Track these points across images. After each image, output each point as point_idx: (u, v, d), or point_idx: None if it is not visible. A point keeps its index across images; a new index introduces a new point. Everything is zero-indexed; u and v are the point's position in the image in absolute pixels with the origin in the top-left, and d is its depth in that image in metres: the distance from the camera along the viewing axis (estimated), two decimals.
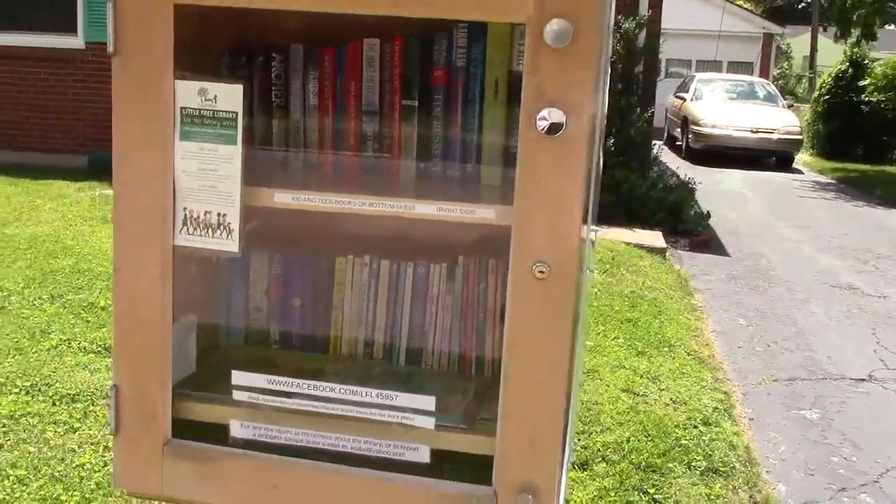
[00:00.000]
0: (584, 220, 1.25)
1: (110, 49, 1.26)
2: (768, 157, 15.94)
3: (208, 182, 1.30)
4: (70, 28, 10.13)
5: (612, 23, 1.42)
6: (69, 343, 4.22)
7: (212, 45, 1.44)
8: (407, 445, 1.32)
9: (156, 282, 1.32)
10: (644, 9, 8.93)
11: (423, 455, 1.32)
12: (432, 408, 1.31)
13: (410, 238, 1.52)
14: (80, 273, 5.31)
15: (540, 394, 1.26)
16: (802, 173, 15.45)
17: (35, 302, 4.77)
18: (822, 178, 14.91)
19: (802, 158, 17.21)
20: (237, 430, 1.37)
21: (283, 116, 1.50)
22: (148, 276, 1.32)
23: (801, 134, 16.01)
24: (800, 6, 45.78)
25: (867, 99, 17.43)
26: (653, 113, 8.95)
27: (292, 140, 1.51)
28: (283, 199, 1.33)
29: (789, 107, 18.13)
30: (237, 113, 1.28)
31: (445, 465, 1.33)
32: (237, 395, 1.36)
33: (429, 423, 1.32)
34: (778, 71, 32.36)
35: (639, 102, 8.56)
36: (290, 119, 1.51)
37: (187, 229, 1.32)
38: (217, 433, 1.39)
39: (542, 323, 1.23)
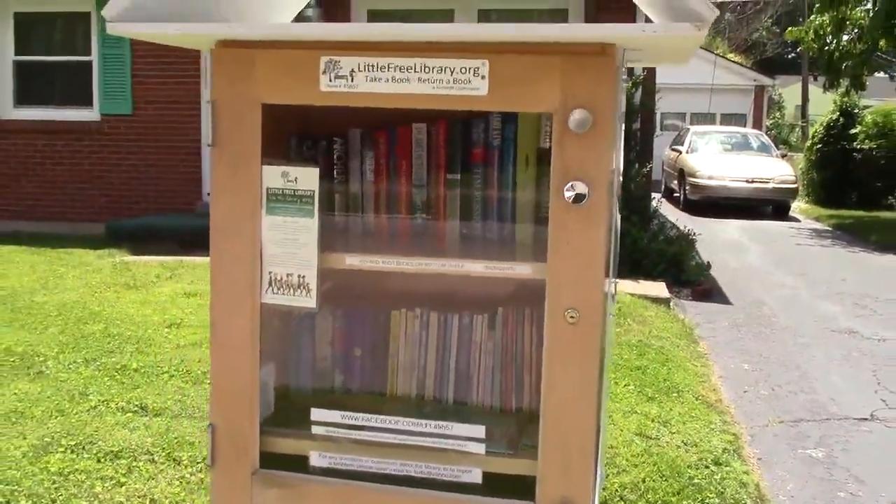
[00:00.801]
0: (607, 273, 1.50)
1: (209, 142, 1.52)
2: (765, 206, 16.26)
3: (290, 249, 1.55)
4: (86, 102, 10.51)
5: (623, 109, 1.68)
6: (107, 403, 4.43)
7: (283, 131, 1.70)
8: (462, 469, 1.55)
9: (246, 335, 1.56)
10: (639, 68, 9.29)
11: (475, 476, 1.55)
12: (482, 435, 1.55)
13: (455, 293, 1.77)
14: (111, 337, 5.54)
15: (574, 421, 1.49)
16: (799, 221, 15.74)
17: (70, 366, 5.00)
18: (819, 226, 15.20)
19: (799, 206, 17.54)
20: (316, 459, 1.60)
21: (343, 191, 1.76)
22: (240, 331, 1.56)
23: (795, 182, 16.36)
24: (790, 57, 46.53)
25: (859, 147, 17.82)
26: (651, 167, 9.26)
27: (352, 210, 1.76)
28: (353, 261, 1.59)
29: (783, 156, 18.53)
30: (314, 191, 1.54)
31: (495, 485, 1.56)
32: (316, 430, 1.60)
33: (480, 448, 1.55)
34: (771, 121, 32.93)
35: (637, 158, 8.87)
36: (350, 193, 1.76)
37: (272, 289, 1.56)
38: (297, 463, 1.62)
39: (574, 360, 1.47)
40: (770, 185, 15.78)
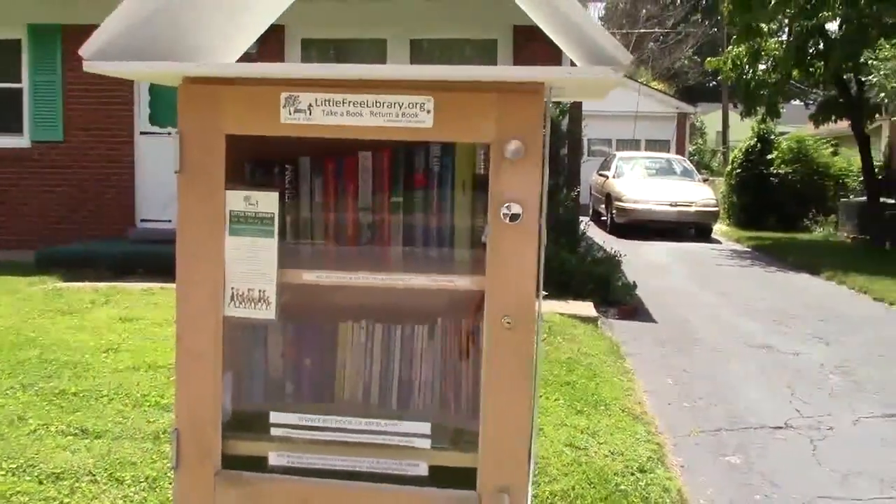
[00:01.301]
0: (538, 284, 1.69)
1: (176, 168, 1.67)
2: (688, 228, 16.83)
3: (251, 266, 1.70)
4: (17, 128, 10.41)
5: (548, 137, 1.89)
6: (47, 427, 4.46)
7: (241, 158, 1.86)
8: (409, 462, 1.72)
9: (210, 346, 1.71)
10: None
11: (422, 469, 1.72)
12: (428, 432, 1.72)
13: (398, 306, 1.94)
14: (47, 363, 5.55)
15: (510, 416, 1.67)
16: (720, 243, 16.32)
17: (7, 391, 4.99)
18: (739, 247, 15.79)
19: (720, 229, 18.18)
20: (274, 459, 1.75)
21: (294, 213, 1.92)
22: (204, 341, 1.71)
23: (717, 206, 16.97)
24: (711, 85, 48.00)
25: (776, 171, 18.60)
26: (578, 192, 9.58)
27: (303, 231, 1.92)
28: (310, 277, 1.75)
29: (704, 181, 19.20)
30: (274, 213, 1.70)
31: (440, 477, 1.73)
32: (274, 431, 1.75)
33: (426, 444, 1.72)
34: (693, 147, 33.97)
35: (565, 183, 9.18)
36: (300, 215, 1.92)
37: (234, 303, 1.71)
38: (257, 464, 1.76)
39: (510, 362, 1.66)
40: (692, 209, 16.35)
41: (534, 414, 1.69)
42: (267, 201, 1.70)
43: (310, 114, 1.64)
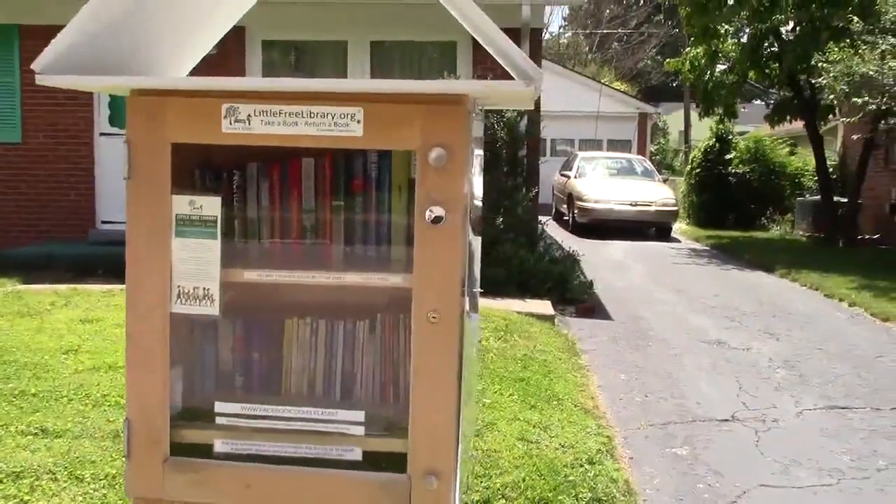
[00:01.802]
0: (462, 282, 1.82)
1: (125, 175, 1.78)
2: (648, 227, 17.10)
3: (196, 266, 1.82)
4: None
5: (482, 133, 2.02)
6: (6, 427, 4.52)
7: (189, 165, 1.97)
8: (344, 448, 1.84)
9: (157, 340, 1.82)
10: None
11: (356, 455, 1.85)
12: (362, 419, 1.85)
13: (340, 303, 2.06)
14: (6, 364, 5.58)
15: (438, 405, 1.80)
16: (680, 242, 16.60)
17: None
18: (698, 246, 16.08)
19: (680, 228, 18.48)
20: (219, 446, 1.86)
21: (242, 216, 2.03)
22: (153, 337, 1.82)
23: (676, 205, 17.26)
24: (674, 85, 48.61)
25: (734, 171, 18.94)
26: (537, 192, 9.74)
27: (250, 232, 2.04)
28: (251, 276, 1.87)
29: (664, 181, 19.51)
30: (217, 216, 1.82)
31: (374, 461, 1.86)
32: (219, 420, 1.87)
33: (360, 431, 1.85)
34: (655, 146, 34.40)
35: (524, 183, 9.34)
36: (248, 217, 2.04)
37: (181, 301, 1.83)
38: (203, 451, 1.88)
39: (436, 353, 1.79)
40: (652, 208, 16.62)
41: (462, 403, 1.82)
42: (210, 205, 1.82)
43: (249, 123, 1.76)
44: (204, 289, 1.83)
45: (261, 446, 1.86)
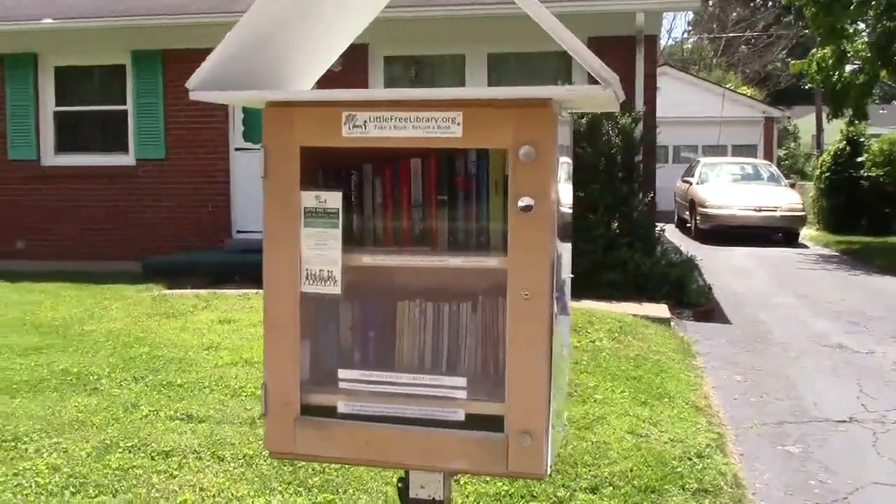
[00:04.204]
0: (552, 264, 2.04)
1: (262, 174, 2.10)
2: (774, 233, 16.73)
3: (321, 252, 2.12)
4: (122, 148, 11.25)
5: (567, 142, 2.25)
6: (157, 413, 5.01)
7: (315, 166, 2.28)
8: (450, 410, 2.10)
9: (290, 316, 2.13)
10: (640, 104, 9.88)
11: (460, 416, 2.10)
12: (464, 385, 2.10)
13: (445, 286, 2.33)
14: (156, 359, 6.14)
15: (530, 371, 2.04)
16: (808, 247, 16.17)
17: (122, 383, 5.58)
18: (826, 251, 15.64)
19: (809, 233, 17.98)
20: (342, 407, 2.15)
21: (359, 210, 2.33)
22: (286, 313, 2.13)
23: (803, 210, 16.81)
24: (806, 87, 47.08)
25: (866, 174, 18.29)
26: (654, 197, 9.79)
27: (366, 224, 2.33)
28: (367, 260, 2.16)
29: (791, 185, 19.01)
30: (338, 209, 2.12)
31: (475, 422, 2.11)
32: (342, 385, 2.16)
33: (463, 395, 2.11)
34: (784, 151, 33.42)
35: (640, 188, 9.42)
36: (364, 211, 2.33)
37: (308, 282, 2.13)
38: (328, 411, 2.17)
39: (529, 328, 2.03)
40: (778, 213, 16.27)
41: (551, 370, 2.05)
42: (333, 199, 2.12)
43: (365, 128, 2.04)
44: (328, 271, 2.13)
45: (377, 408, 2.14)
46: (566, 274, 2.38)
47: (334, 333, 2.34)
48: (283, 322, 2.13)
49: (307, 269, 2.13)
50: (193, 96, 2.05)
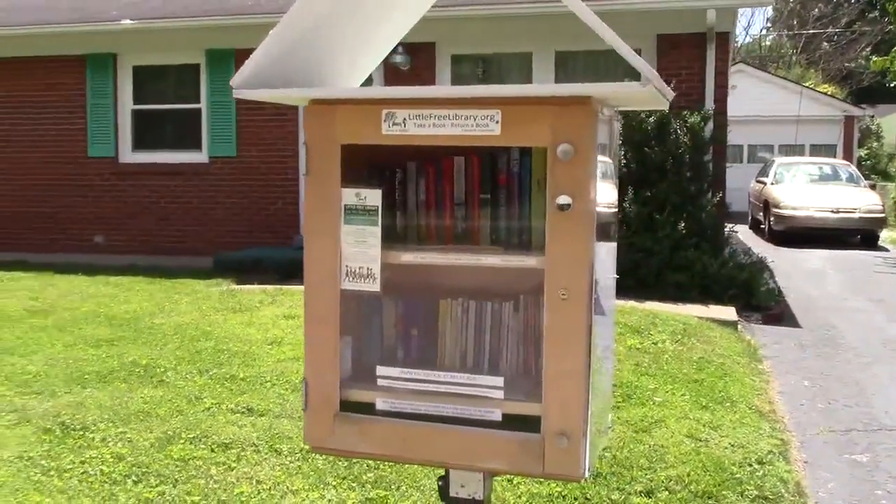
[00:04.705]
0: (590, 264, 2.02)
1: (303, 171, 2.13)
2: (851, 235, 16.22)
3: (361, 249, 2.13)
4: (196, 145, 11.50)
5: (609, 140, 2.22)
6: (219, 406, 5.11)
7: (360, 164, 2.29)
8: (486, 410, 2.10)
9: (330, 313, 2.15)
10: (710, 103, 9.69)
11: (497, 416, 2.09)
12: (501, 384, 2.09)
13: (487, 286, 2.32)
14: (221, 352, 6.26)
15: (567, 373, 2.02)
16: (888, 251, 15.65)
17: (187, 375, 5.71)
18: None
19: (891, 236, 17.39)
20: (380, 404, 2.16)
21: (403, 206, 2.33)
22: (326, 308, 2.15)
23: (883, 212, 16.25)
24: (891, 85, 45.56)
25: None
26: (723, 196, 9.59)
27: (409, 222, 2.34)
28: (407, 258, 2.16)
29: (872, 186, 18.41)
30: (378, 206, 2.13)
31: (513, 422, 2.10)
32: (380, 382, 2.17)
33: (500, 395, 2.10)
34: (866, 151, 32.37)
35: (708, 188, 9.24)
36: (408, 208, 2.34)
37: (349, 279, 2.15)
38: (366, 408, 2.19)
39: (566, 328, 2.00)
40: (856, 215, 15.77)
41: (589, 371, 2.02)
42: (373, 196, 2.13)
43: (405, 126, 2.05)
44: (367, 268, 2.14)
45: (415, 405, 2.14)
46: (609, 274, 2.34)
47: (378, 330, 2.35)
48: (324, 318, 2.15)
49: (347, 266, 2.15)
50: (237, 94, 2.09)
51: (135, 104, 11.87)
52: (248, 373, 5.77)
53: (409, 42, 9.43)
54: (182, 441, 4.55)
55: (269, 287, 8.96)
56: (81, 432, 4.67)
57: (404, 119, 2.05)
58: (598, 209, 2.06)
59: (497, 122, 1.98)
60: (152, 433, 4.65)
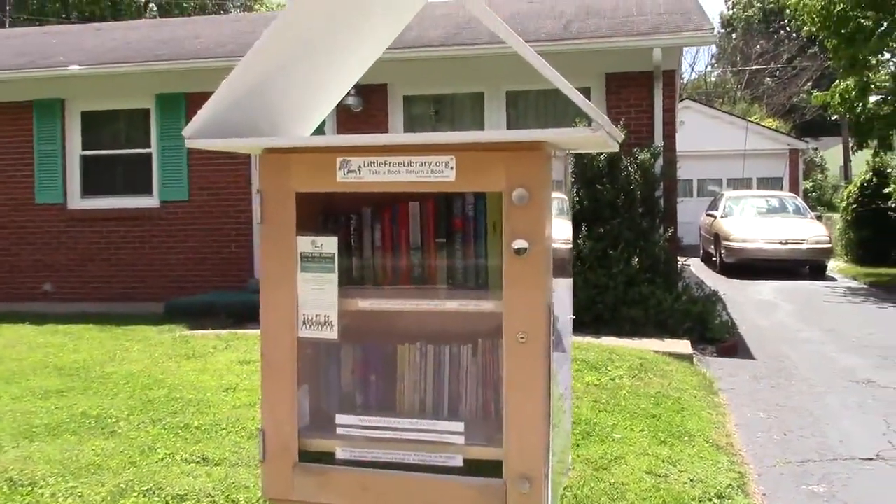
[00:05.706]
0: (548, 307, 2.03)
1: (258, 219, 2.11)
2: (800, 266, 16.54)
3: (318, 296, 2.12)
4: (147, 190, 11.39)
5: (563, 177, 2.24)
6: (173, 456, 5.00)
7: (313, 211, 2.29)
8: (447, 455, 2.08)
9: (287, 361, 2.13)
10: (659, 139, 9.86)
11: (458, 461, 2.08)
12: (461, 430, 2.08)
13: (445, 330, 2.32)
14: (174, 400, 6.14)
15: (528, 417, 2.02)
16: (836, 280, 15.97)
17: (140, 425, 5.59)
18: (854, 284, 15.43)
19: (837, 266, 17.76)
20: (340, 453, 2.14)
21: (358, 253, 2.33)
22: (283, 357, 2.12)
23: (829, 243, 16.61)
24: (833, 119, 46.81)
25: (893, 205, 18.06)
26: (674, 231, 9.73)
27: (365, 268, 2.33)
28: (364, 304, 2.15)
29: (818, 218, 18.82)
30: (334, 253, 2.12)
31: (474, 468, 2.09)
32: (340, 431, 2.15)
33: (460, 440, 2.08)
34: (811, 183, 33.16)
35: (660, 223, 9.37)
36: (363, 255, 2.34)
37: (306, 326, 2.13)
38: (326, 457, 2.16)
39: (525, 372, 2.01)
40: (804, 246, 16.08)
41: (550, 413, 2.02)
42: (329, 244, 2.12)
43: (360, 173, 2.05)
44: (325, 316, 2.13)
45: (375, 454, 2.13)
46: (566, 314, 2.36)
47: (336, 378, 2.33)
48: (280, 367, 2.12)
49: (304, 314, 2.14)
50: (190, 144, 2.08)
51: (84, 149, 11.73)
52: (202, 421, 5.66)
53: (362, 84, 9.47)
54: (135, 494, 4.44)
55: (223, 332, 8.84)
56: (30, 488, 4.53)
57: (359, 166, 2.05)
58: (555, 246, 2.07)
59: (452, 168, 1.99)
60: (104, 487, 4.52)
